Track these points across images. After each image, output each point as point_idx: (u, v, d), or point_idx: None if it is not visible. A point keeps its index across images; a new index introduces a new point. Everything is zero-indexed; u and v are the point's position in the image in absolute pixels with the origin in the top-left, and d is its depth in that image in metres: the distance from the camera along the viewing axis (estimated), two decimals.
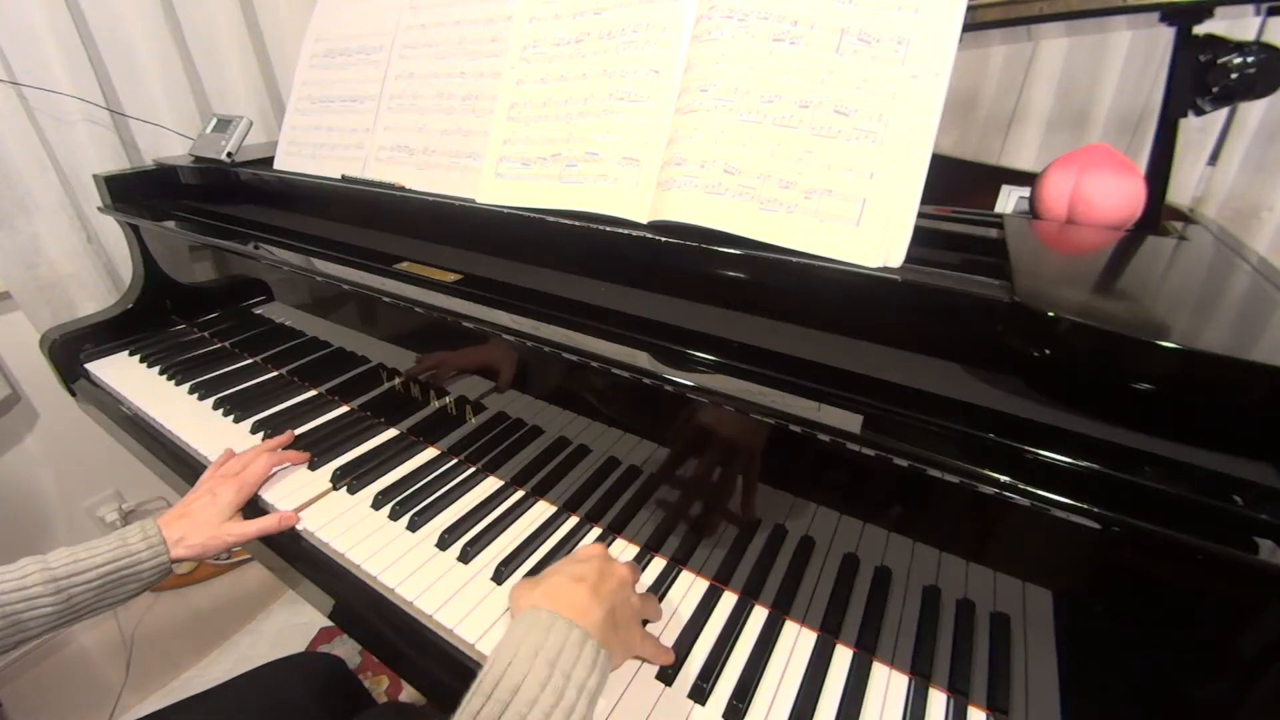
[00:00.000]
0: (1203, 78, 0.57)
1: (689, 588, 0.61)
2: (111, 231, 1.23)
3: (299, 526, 0.69)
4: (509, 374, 0.68)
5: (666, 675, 0.53)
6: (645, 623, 0.56)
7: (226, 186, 1.06)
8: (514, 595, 0.53)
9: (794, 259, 0.54)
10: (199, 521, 0.68)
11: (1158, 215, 0.63)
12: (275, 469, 0.76)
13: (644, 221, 0.62)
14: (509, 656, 0.40)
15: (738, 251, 0.56)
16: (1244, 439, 0.38)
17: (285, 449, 0.79)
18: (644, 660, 0.53)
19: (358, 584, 0.64)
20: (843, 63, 0.54)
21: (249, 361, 1.03)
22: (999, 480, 0.40)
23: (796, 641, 0.56)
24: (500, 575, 0.62)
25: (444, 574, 0.62)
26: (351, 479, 0.74)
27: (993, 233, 0.63)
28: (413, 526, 0.68)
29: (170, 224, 0.96)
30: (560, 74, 0.69)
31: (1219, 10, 0.57)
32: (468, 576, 0.62)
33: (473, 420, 0.75)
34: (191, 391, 0.95)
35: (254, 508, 0.74)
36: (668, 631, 0.57)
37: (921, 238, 0.52)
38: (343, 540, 0.66)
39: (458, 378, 0.74)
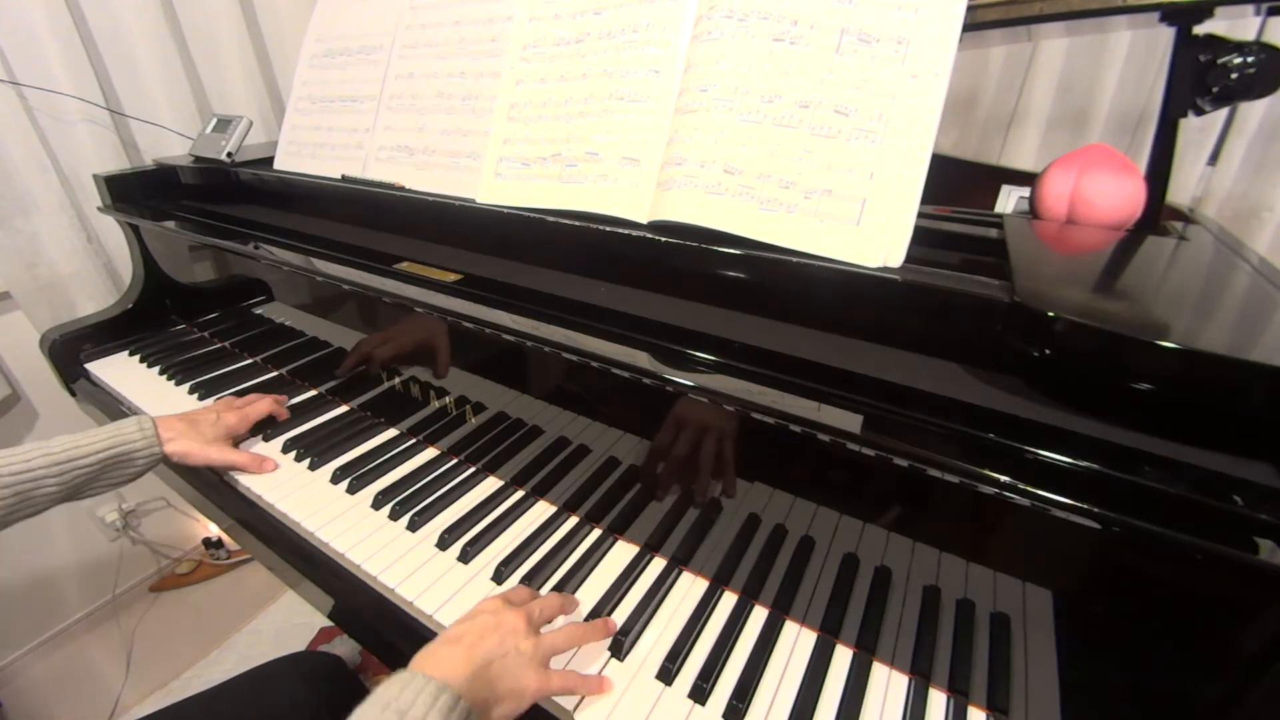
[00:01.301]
0: (1203, 78, 0.57)
1: (689, 588, 0.61)
2: (111, 231, 1.23)
3: (300, 526, 0.69)
4: (445, 352, 0.70)
5: (666, 674, 0.53)
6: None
7: (226, 186, 1.06)
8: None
9: (794, 259, 0.54)
10: (196, 430, 0.76)
11: (1158, 215, 0.63)
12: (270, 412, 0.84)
13: (644, 221, 0.62)
14: (365, 710, 0.42)
15: (738, 251, 0.56)
16: (1244, 439, 0.38)
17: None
18: (569, 694, 0.51)
19: (358, 584, 0.64)
20: (843, 63, 0.54)
21: (249, 361, 1.03)
22: (999, 480, 0.40)
23: (796, 641, 0.56)
24: (500, 575, 0.62)
25: (444, 574, 0.62)
26: (351, 479, 0.74)
27: (993, 233, 0.63)
28: (413, 526, 0.68)
29: (170, 224, 0.96)
30: (560, 74, 0.69)
31: (1219, 10, 0.57)
32: (468, 576, 0.62)
33: (473, 420, 0.75)
34: (191, 391, 0.95)
35: (251, 507, 0.74)
36: (667, 632, 0.57)
37: (921, 238, 0.52)
38: (343, 540, 0.66)
39: (413, 359, 0.74)
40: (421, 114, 0.82)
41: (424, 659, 0.47)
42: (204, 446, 0.75)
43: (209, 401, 0.92)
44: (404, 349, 0.77)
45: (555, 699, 0.51)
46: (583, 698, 0.51)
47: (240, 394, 0.93)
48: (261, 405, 0.83)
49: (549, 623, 0.54)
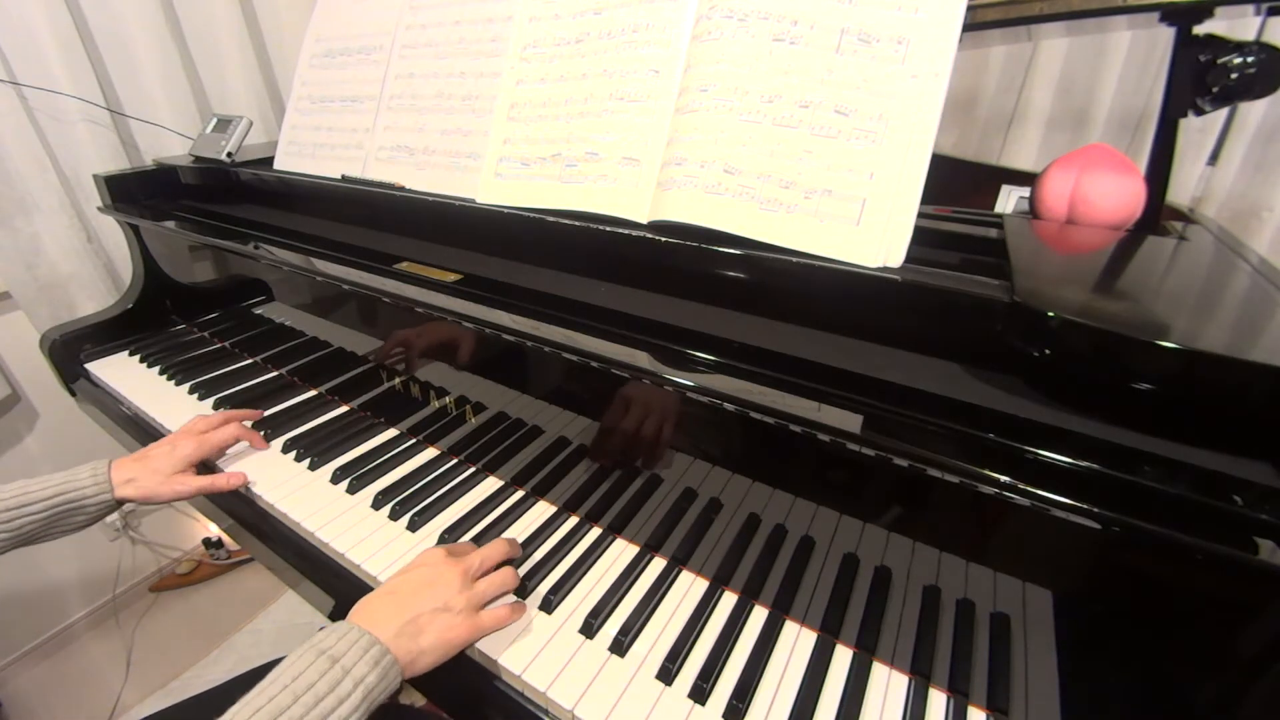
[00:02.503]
0: (1203, 78, 0.57)
1: (689, 587, 0.61)
2: (111, 231, 1.23)
3: (300, 527, 0.69)
4: (468, 350, 0.69)
5: (667, 674, 0.53)
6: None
7: (226, 186, 1.06)
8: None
9: (794, 259, 0.54)
10: (152, 468, 0.72)
11: (1158, 215, 0.63)
12: (241, 442, 0.80)
13: (644, 221, 0.62)
14: (302, 652, 0.47)
15: (738, 251, 0.56)
16: (1244, 439, 0.38)
17: (249, 428, 0.82)
18: (499, 628, 0.56)
19: (358, 584, 0.64)
20: (843, 63, 0.54)
21: (249, 361, 1.03)
22: (999, 480, 0.40)
23: (796, 641, 0.56)
24: None
25: None
26: (351, 479, 0.74)
27: (993, 233, 0.63)
28: (413, 526, 0.68)
29: (170, 224, 0.96)
30: (560, 74, 0.69)
31: (1219, 10, 0.57)
32: None
33: (473, 420, 0.75)
34: (191, 391, 0.95)
35: (253, 508, 0.74)
36: (667, 631, 0.57)
37: (921, 238, 0.52)
38: (343, 540, 0.66)
39: (437, 364, 0.74)
40: (421, 114, 0.82)
41: (360, 611, 0.52)
42: (160, 484, 0.71)
43: (209, 402, 0.92)
44: (424, 354, 0.76)
45: (554, 699, 0.51)
46: (582, 695, 0.51)
47: (240, 394, 0.94)
48: (226, 433, 0.78)
49: (492, 570, 0.59)
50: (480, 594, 0.55)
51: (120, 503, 0.71)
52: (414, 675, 0.51)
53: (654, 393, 0.57)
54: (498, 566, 0.59)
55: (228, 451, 0.79)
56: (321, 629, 0.49)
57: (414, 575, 0.55)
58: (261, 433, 0.82)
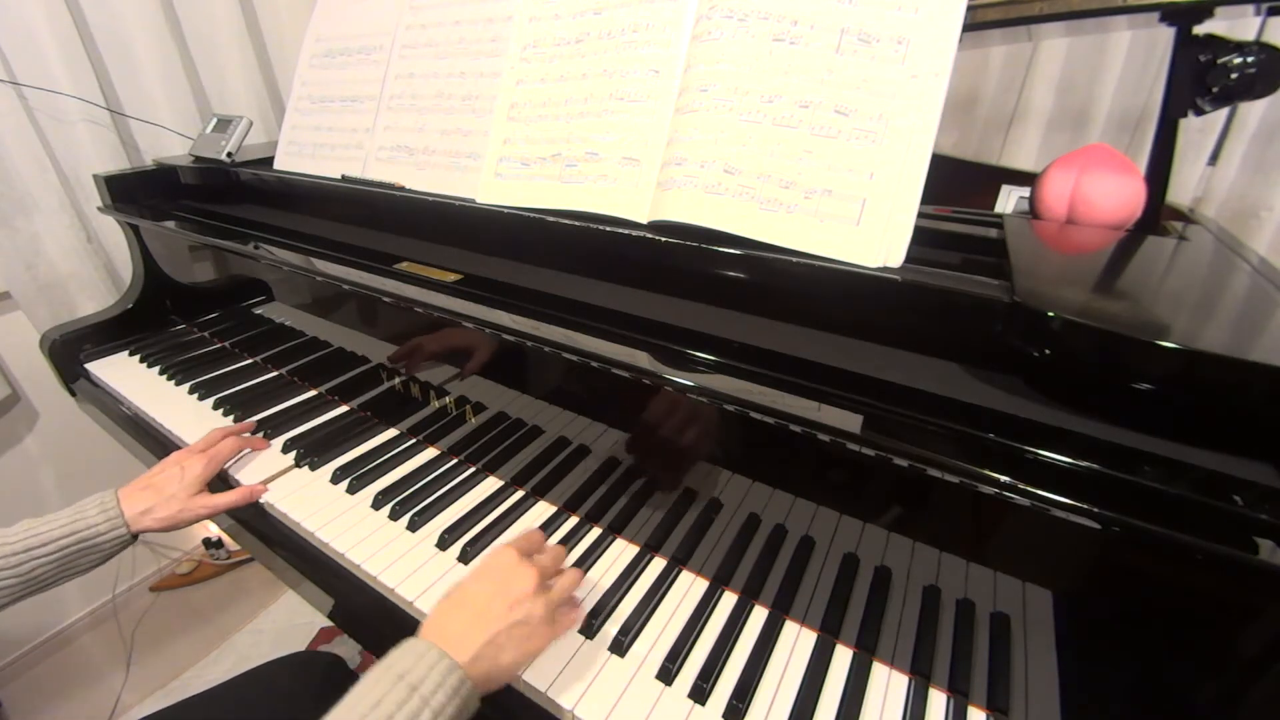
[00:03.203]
0: (1203, 78, 0.57)
1: (689, 587, 0.61)
2: (111, 231, 1.23)
3: (300, 527, 0.69)
4: (482, 358, 0.68)
5: (666, 674, 0.53)
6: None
7: (226, 186, 1.06)
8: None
9: (794, 259, 0.54)
10: (167, 494, 0.69)
11: (1158, 215, 0.63)
12: (244, 451, 0.79)
13: (644, 221, 0.62)
14: (378, 676, 0.44)
15: (738, 251, 0.56)
16: (1244, 439, 0.38)
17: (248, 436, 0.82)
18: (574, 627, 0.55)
19: (358, 584, 0.64)
20: (843, 63, 0.54)
21: (249, 361, 1.03)
22: (999, 480, 0.40)
23: (796, 641, 0.56)
24: None
25: (444, 574, 0.62)
26: (351, 479, 0.74)
27: (993, 233, 0.63)
28: (413, 526, 0.68)
29: (170, 224, 0.96)
30: (560, 74, 0.69)
31: (1219, 10, 0.57)
32: None
33: (473, 420, 0.75)
34: (191, 391, 0.95)
35: (256, 509, 0.74)
36: (667, 631, 0.57)
37: (921, 238, 0.52)
38: (343, 540, 0.66)
39: (443, 368, 0.74)
40: (421, 114, 0.82)
41: (435, 628, 0.49)
42: (180, 510, 0.68)
43: (208, 402, 0.92)
44: (438, 360, 0.74)
45: (554, 699, 0.51)
46: (582, 695, 0.51)
47: (240, 394, 0.94)
48: (225, 447, 0.76)
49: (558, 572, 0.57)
50: (557, 599, 0.53)
51: (136, 536, 0.68)
52: (490, 693, 0.48)
53: (654, 393, 0.57)
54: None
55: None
56: (397, 647, 0.46)
57: (488, 584, 0.51)
58: (260, 433, 0.82)
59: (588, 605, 0.59)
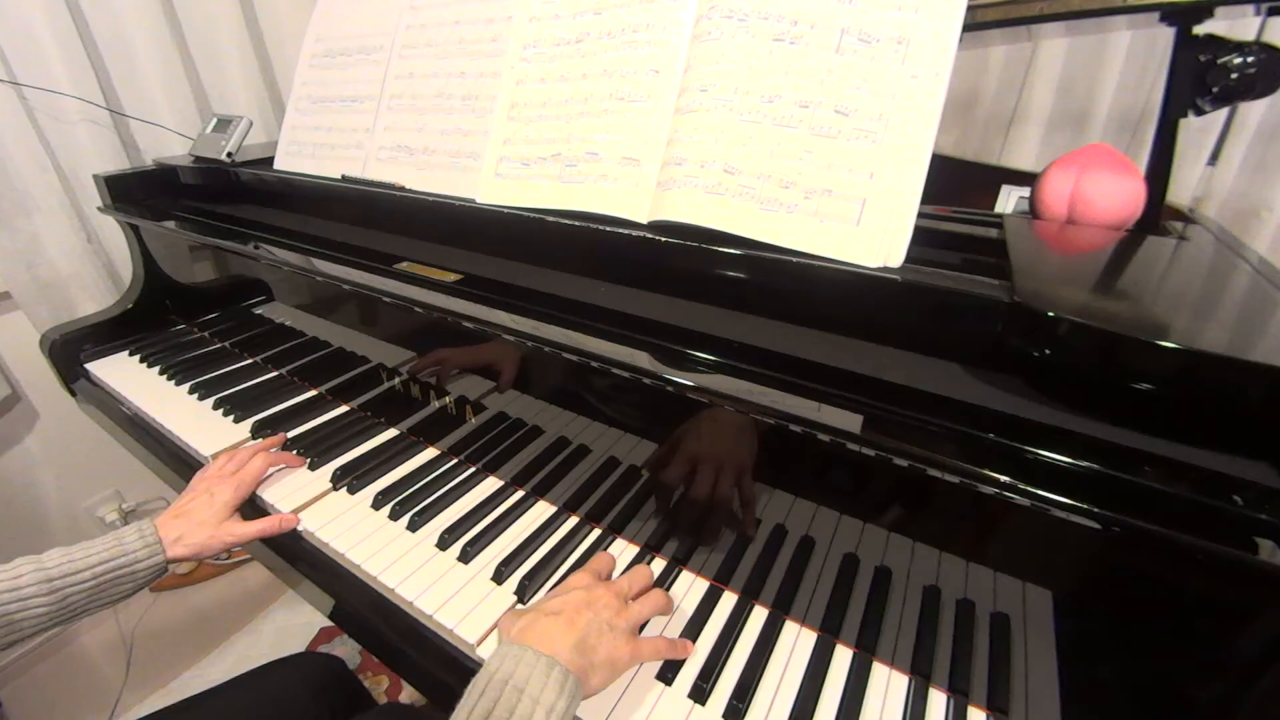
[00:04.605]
0: (1203, 78, 0.57)
1: (689, 588, 0.61)
2: (111, 231, 1.23)
3: (300, 527, 0.69)
4: (510, 373, 0.68)
5: (666, 675, 0.53)
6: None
7: (226, 186, 1.06)
8: (500, 627, 0.55)
9: (794, 259, 0.54)
10: (196, 520, 0.68)
11: (1158, 215, 0.63)
12: (271, 470, 0.76)
13: (644, 221, 0.62)
14: (483, 686, 0.44)
15: (738, 251, 0.56)
16: (1244, 439, 0.38)
17: (278, 451, 0.79)
18: (657, 660, 0.54)
19: (358, 584, 0.64)
20: (843, 62, 0.54)
21: (249, 361, 1.03)
22: (999, 480, 0.40)
23: (796, 641, 0.56)
24: (500, 575, 0.62)
25: (444, 574, 0.62)
26: (351, 479, 0.74)
27: (993, 233, 0.63)
28: (413, 526, 0.68)
29: (170, 224, 0.96)
30: (560, 74, 0.69)
31: (1219, 10, 0.56)
32: (468, 576, 0.62)
33: (473, 420, 0.75)
34: (191, 391, 0.95)
35: (253, 507, 0.74)
36: (668, 632, 0.57)
37: (921, 238, 0.52)
38: (343, 540, 0.66)
39: (459, 377, 0.74)
40: (421, 114, 0.82)
41: (526, 633, 0.49)
42: (210, 538, 0.67)
43: (209, 402, 0.92)
44: (468, 368, 0.73)
45: None
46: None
47: (240, 394, 0.93)
48: (254, 467, 0.73)
49: (637, 595, 0.57)
50: (637, 615, 0.54)
51: (169, 565, 0.66)
52: (588, 696, 0.49)
53: (655, 394, 0.57)
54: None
55: None
56: (489, 656, 0.46)
57: (571, 596, 0.53)
58: (293, 451, 0.80)
59: None
